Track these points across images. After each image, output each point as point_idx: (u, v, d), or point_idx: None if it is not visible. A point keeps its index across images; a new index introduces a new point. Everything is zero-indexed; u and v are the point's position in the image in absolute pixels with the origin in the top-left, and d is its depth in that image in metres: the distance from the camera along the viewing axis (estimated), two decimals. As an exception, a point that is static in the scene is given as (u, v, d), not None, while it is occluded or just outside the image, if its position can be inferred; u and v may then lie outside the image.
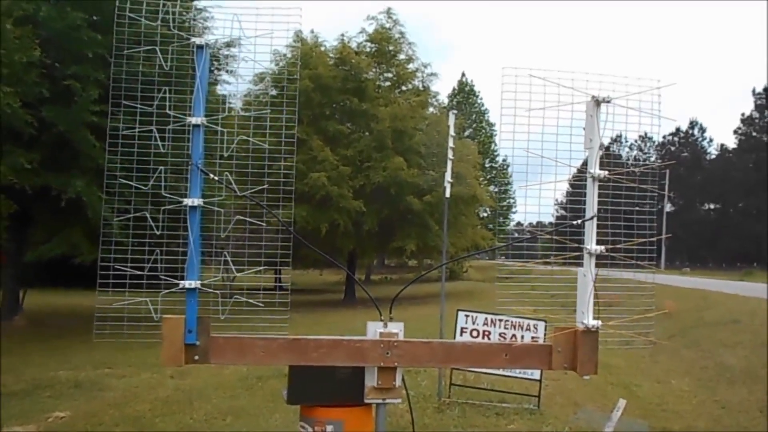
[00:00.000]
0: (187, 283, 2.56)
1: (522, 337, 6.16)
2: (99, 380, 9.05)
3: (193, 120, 2.52)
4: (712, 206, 72.45)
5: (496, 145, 41.74)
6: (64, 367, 10.08)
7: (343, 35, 26.10)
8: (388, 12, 26.34)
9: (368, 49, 26.11)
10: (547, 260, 3.20)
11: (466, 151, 25.85)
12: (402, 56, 26.71)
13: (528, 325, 6.17)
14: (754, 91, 65.14)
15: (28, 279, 20.42)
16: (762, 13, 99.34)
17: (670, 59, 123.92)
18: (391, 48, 26.26)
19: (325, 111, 23.86)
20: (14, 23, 11.65)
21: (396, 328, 2.63)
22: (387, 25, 26.30)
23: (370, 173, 23.13)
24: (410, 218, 23.16)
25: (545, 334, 6.13)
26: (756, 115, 64.59)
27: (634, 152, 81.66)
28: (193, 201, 2.54)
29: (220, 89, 18.14)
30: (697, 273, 47.29)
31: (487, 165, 37.44)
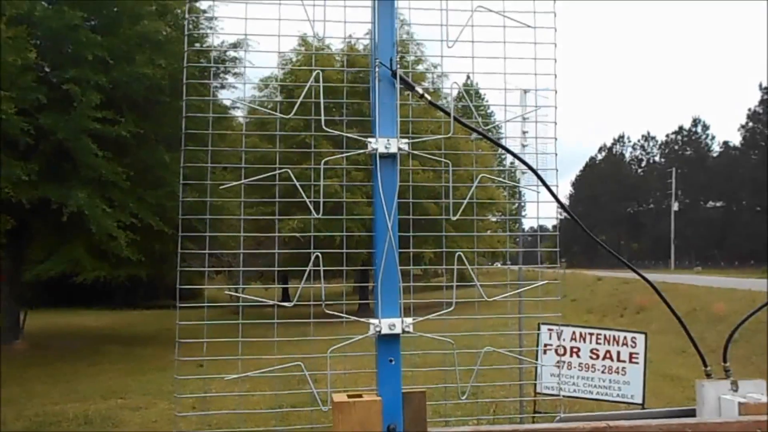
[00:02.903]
0: (386, 324, 1.66)
1: (618, 353, 5.21)
2: (111, 414, 8.04)
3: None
4: (717, 204, 71.67)
5: (504, 140, 41.11)
6: (70, 398, 9.07)
7: (350, 36, 25.27)
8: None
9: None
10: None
11: (482, 155, 24.98)
12: (411, 57, 25.85)
13: (625, 338, 5.21)
14: (761, 85, 64.40)
15: (28, 299, 19.45)
16: (763, 8, 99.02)
17: (672, 58, 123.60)
18: (399, 49, 25.41)
19: (333, 115, 22.93)
20: (7, 23, 10.72)
21: (757, 390, 1.71)
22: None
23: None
24: (426, 223, 22.21)
25: (646, 348, 5.17)
26: (760, 110, 63.88)
27: (637, 152, 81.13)
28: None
29: (224, 94, 17.21)
30: (710, 272, 46.42)
31: (495, 167, 36.56)
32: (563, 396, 5.72)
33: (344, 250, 2.32)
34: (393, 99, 1.77)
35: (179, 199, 2.21)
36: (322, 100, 1.86)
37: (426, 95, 1.86)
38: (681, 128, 75.79)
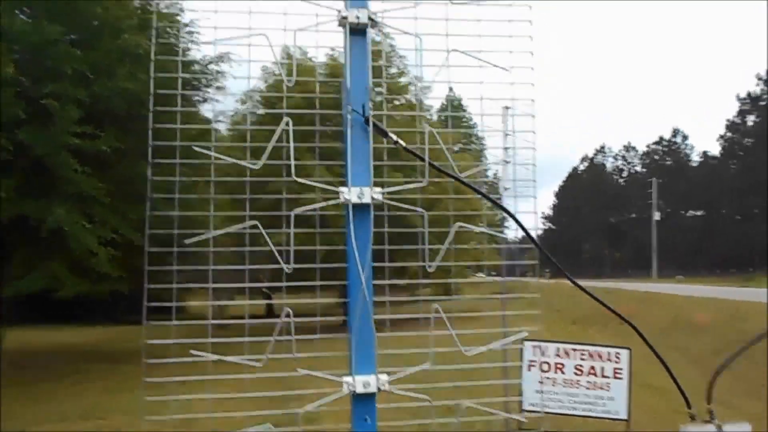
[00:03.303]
0: (360, 382, 1.61)
1: (603, 368, 5.20)
2: (91, 436, 7.89)
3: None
4: (698, 213, 72.57)
5: (486, 159, 41.27)
6: (50, 419, 8.88)
7: (333, 49, 25.30)
8: (378, 25, 25.64)
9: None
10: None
11: (464, 166, 25.08)
12: (393, 70, 25.95)
13: (608, 354, 5.21)
14: (738, 96, 65.55)
15: (7, 316, 19.07)
16: (741, 19, 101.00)
17: (652, 68, 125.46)
18: (381, 61, 25.52)
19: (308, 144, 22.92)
20: (-16, 38, 10.59)
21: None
22: (377, 39, 25.60)
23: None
24: (411, 236, 22.21)
25: (630, 364, 5.17)
26: (738, 121, 64.96)
27: (619, 162, 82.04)
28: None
29: (206, 108, 17.14)
30: (692, 280, 46.88)
31: (480, 178, 36.71)
32: (548, 413, 5.69)
33: (318, 265, 2.26)
34: (366, 146, 1.73)
35: (149, 213, 2.16)
36: (292, 146, 1.79)
37: (399, 141, 1.84)
38: (661, 139, 76.92)
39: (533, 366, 5.34)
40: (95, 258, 12.69)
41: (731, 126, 65.79)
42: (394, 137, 1.81)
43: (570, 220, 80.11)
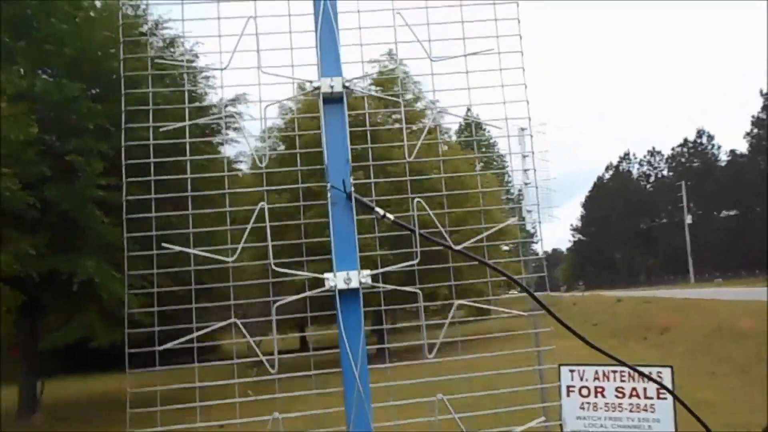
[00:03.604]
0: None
1: (645, 389, 5.01)
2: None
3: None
4: (731, 213, 70.95)
5: (509, 176, 41.11)
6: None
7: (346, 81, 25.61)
8: (390, 53, 25.88)
9: (374, 93, 25.59)
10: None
11: (488, 185, 24.97)
12: (409, 96, 26.12)
13: (650, 374, 5.00)
14: (761, 91, 64.44)
15: (45, 368, 19.33)
16: (762, 13, 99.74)
17: (670, 71, 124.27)
18: (396, 89, 25.71)
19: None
20: (9, 100, 10.90)
21: None
22: (391, 66, 25.83)
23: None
24: (443, 260, 22.06)
25: (673, 382, 4.98)
26: (764, 116, 63.74)
27: (644, 167, 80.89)
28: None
29: (227, 149, 17.37)
30: (731, 283, 45.63)
31: (503, 197, 36.44)
32: None
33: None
34: (350, 224, 1.62)
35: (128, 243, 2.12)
36: (269, 243, 1.70)
37: (388, 216, 1.71)
38: (686, 140, 75.75)
39: (572, 391, 5.17)
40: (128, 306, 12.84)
41: (757, 122, 64.55)
42: (381, 212, 1.69)
43: (600, 230, 78.90)
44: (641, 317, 22.24)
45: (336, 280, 1.53)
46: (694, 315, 17.62)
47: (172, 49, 16.60)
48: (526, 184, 5.90)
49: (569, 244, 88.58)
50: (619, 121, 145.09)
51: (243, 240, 1.84)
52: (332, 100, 1.65)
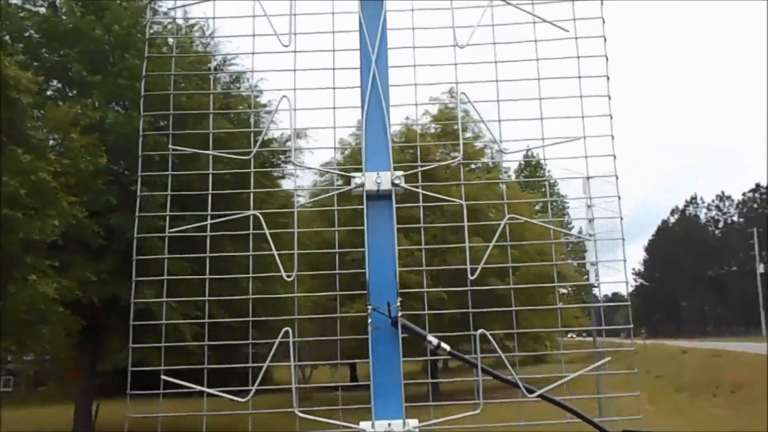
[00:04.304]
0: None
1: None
2: None
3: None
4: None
5: (569, 217, 40.16)
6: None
7: (407, 118, 25.82)
8: (450, 91, 25.96)
9: (432, 131, 25.62)
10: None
11: (545, 227, 24.40)
12: (468, 134, 26.06)
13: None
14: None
15: (105, 389, 19.77)
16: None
17: (743, 110, 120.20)
18: (456, 126, 25.71)
19: (394, 195, 23.16)
20: (81, 131, 11.41)
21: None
22: (451, 105, 25.92)
23: (447, 257, 21.90)
24: (494, 302, 21.58)
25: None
26: None
27: (713, 212, 77.75)
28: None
29: (285, 183, 17.62)
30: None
31: (563, 238, 35.64)
32: None
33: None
34: (395, 357, 1.30)
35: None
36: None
37: (443, 345, 1.39)
38: (758, 186, 72.51)
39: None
40: (180, 335, 13.02)
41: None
42: (434, 341, 1.37)
43: (665, 275, 75.85)
44: (710, 371, 20.99)
45: (376, 428, 1.23)
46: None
47: (237, 84, 17.16)
48: (590, 235, 5.58)
49: (631, 289, 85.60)
50: (685, 163, 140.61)
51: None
52: (378, 197, 1.42)
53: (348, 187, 1.53)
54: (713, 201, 78.17)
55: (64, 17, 14.13)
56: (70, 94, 14.65)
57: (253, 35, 1.80)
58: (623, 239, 2.16)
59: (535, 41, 1.64)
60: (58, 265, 10.73)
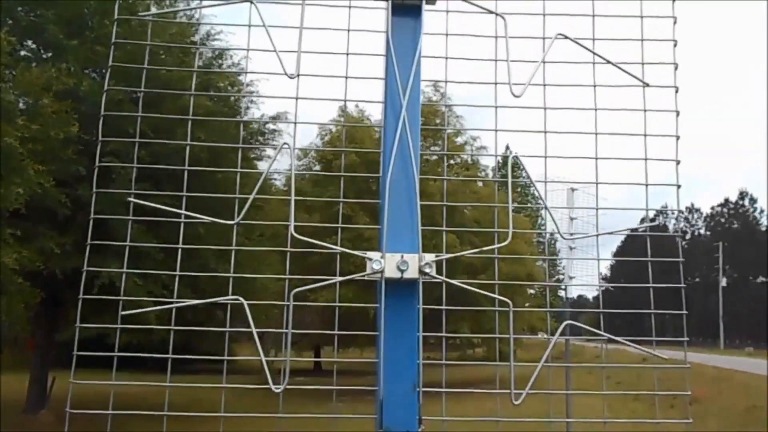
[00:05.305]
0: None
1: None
2: None
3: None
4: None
5: (542, 219, 40.48)
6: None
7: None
8: (435, 85, 25.79)
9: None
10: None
11: (519, 227, 24.51)
12: (450, 129, 25.96)
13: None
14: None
15: (62, 360, 19.35)
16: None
17: (717, 124, 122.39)
18: (438, 121, 25.57)
19: (371, 186, 23.01)
20: (54, 97, 10.97)
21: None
22: (434, 98, 25.76)
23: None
24: (463, 299, 21.67)
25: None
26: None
27: (681, 224, 79.22)
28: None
29: (261, 165, 17.33)
30: (763, 354, 43.84)
31: (534, 240, 35.82)
32: None
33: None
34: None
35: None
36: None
37: None
38: (727, 201, 74.10)
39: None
40: (144, 313, 12.75)
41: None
42: None
43: (629, 282, 77.30)
44: (668, 382, 21.29)
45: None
46: (726, 388, 16.78)
47: (219, 61, 16.77)
48: (571, 248, 5.62)
49: (596, 293, 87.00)
50: (655, 172, 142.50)
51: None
52: (399, 285, 1.18)
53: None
54: (682, 213, 79.85)
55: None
56: (44, 57, 14.13)
57: (249, 39, 1.65)
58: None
59: (594, 86, 1.49)
60: (20, 234, 10.34)
